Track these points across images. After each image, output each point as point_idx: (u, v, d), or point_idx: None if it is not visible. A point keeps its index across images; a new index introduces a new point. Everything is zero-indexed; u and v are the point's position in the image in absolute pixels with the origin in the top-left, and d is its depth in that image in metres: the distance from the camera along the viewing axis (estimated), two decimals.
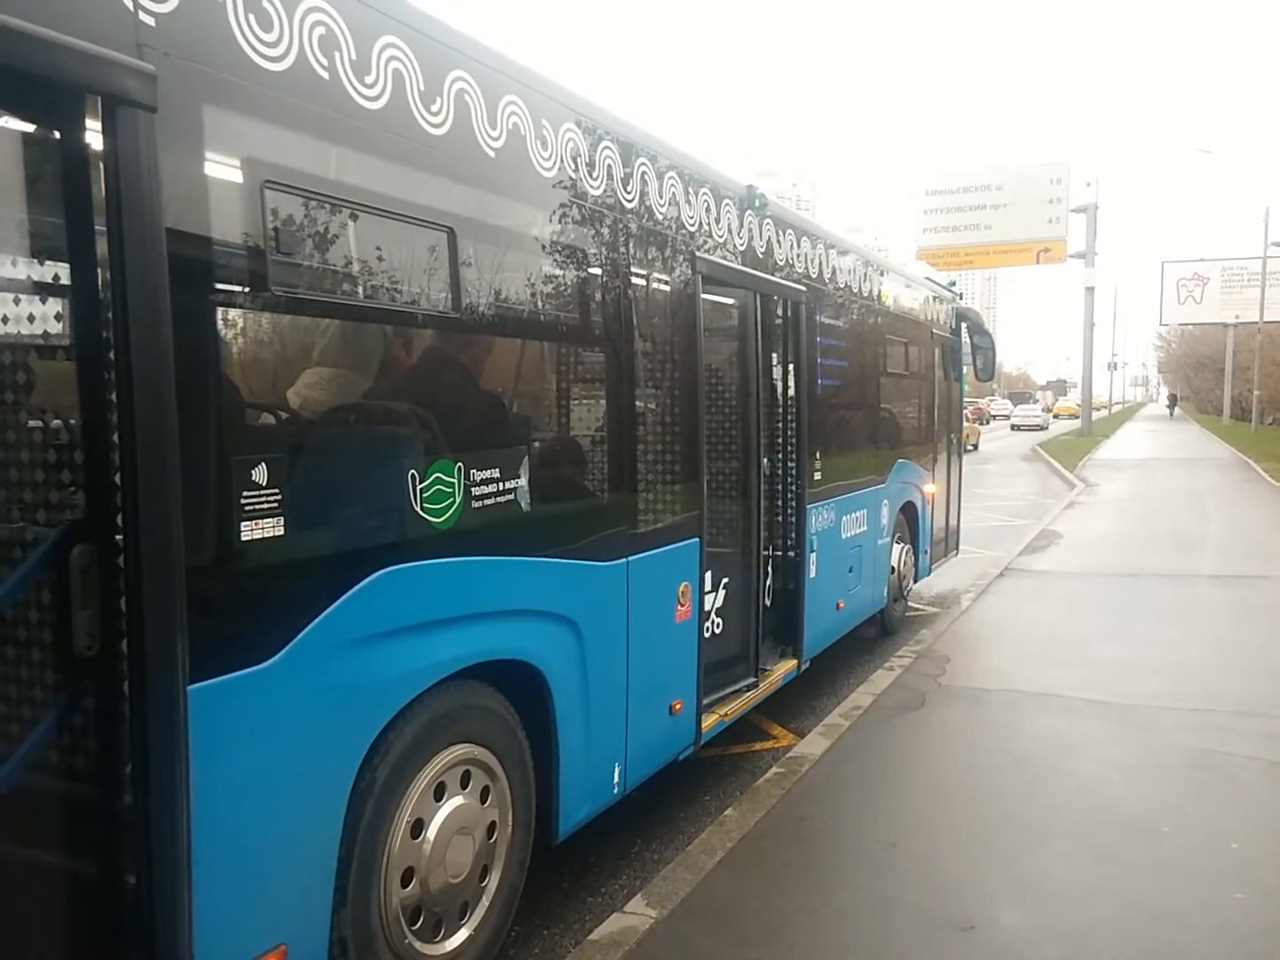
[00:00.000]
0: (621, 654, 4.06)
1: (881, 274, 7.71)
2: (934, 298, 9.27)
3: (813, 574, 6.19)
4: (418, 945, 3.07)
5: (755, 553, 5.43)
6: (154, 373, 2.13)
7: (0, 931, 2.14)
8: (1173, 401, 73.05)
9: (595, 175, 3.93)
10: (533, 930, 3.87)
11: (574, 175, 3.80)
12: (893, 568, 8.22)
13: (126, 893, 2.23)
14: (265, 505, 2.48)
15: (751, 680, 5.43)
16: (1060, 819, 4.49)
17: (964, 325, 10.09)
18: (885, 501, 7.84)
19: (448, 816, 3.16)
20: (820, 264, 6.39)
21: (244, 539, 2.42)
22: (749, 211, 5.33)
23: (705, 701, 4.85)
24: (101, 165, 2.08)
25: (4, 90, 2.01)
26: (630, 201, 4.18)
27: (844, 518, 6.86)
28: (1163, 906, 3.73)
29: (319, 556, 2.69)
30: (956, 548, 10.61)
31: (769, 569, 5.79)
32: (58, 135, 2.12)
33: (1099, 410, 69.08)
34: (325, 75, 2.68)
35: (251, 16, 2.46)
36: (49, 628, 2.14)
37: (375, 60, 2.84)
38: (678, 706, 4.54)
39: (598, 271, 3.98)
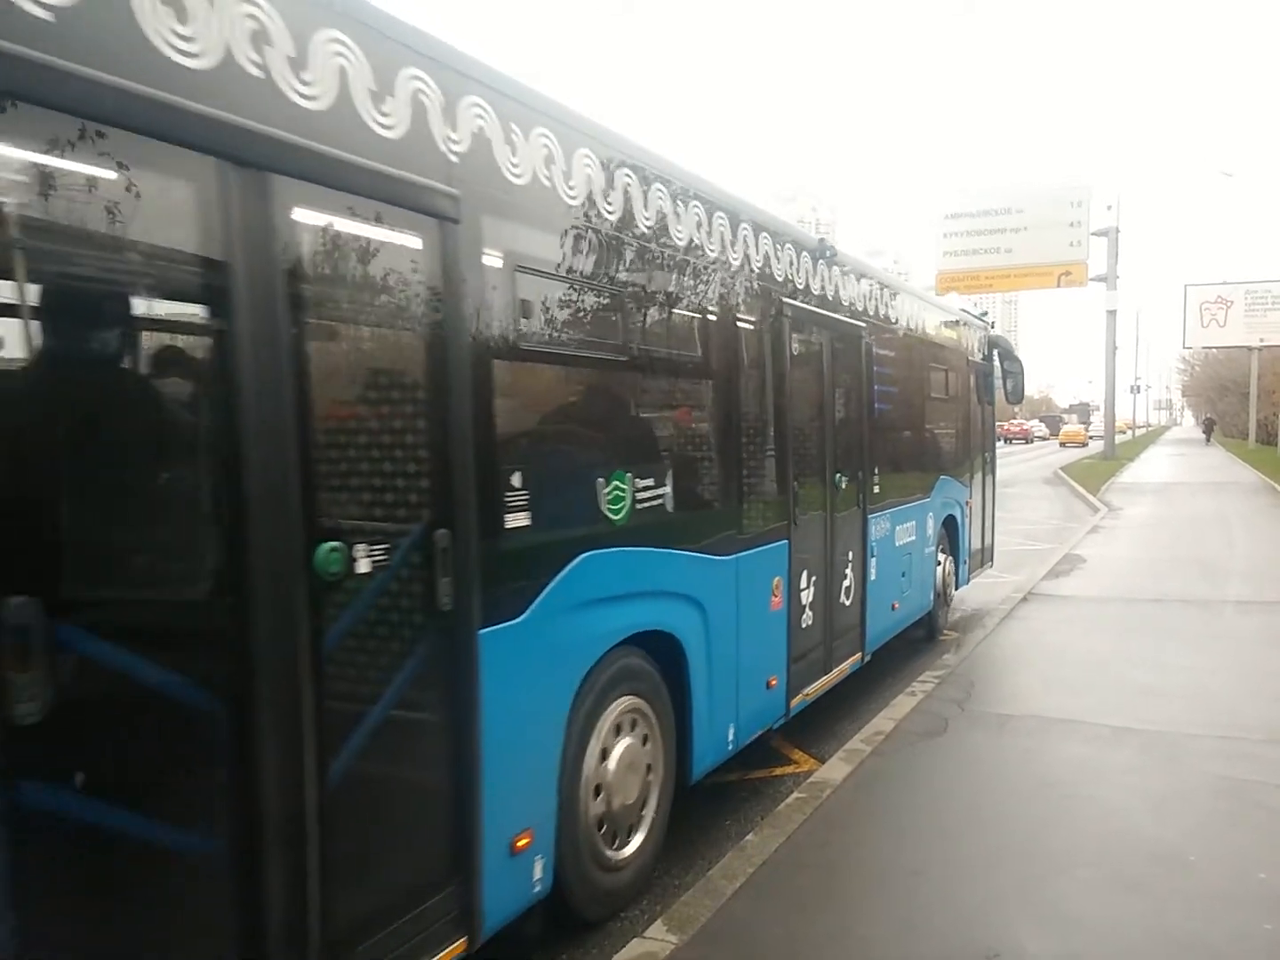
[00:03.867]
0: (733, 633, 4.96)
1: (926, 308, 8.59)
2: (969, 327, 10.06)
3: (873, 577, 7.02)
4: (602, 848, 4.06)
5: (830, 556, 6.31)
6: (479, 414, 3.21)
7: (381, 812, 2.94)
8: (1208, 427, 65.85)
9: (712, 241, 4.89)
10: (554, 954, 3.87)
11: (697, 243, 4.74)
12: (937, 576, 8.95)
13: (447, 787, 3.12)
14: (518, 503, 3.40)
15: (827, 666, 6.34)
16: (1086, 847, 4.45)
17: (995, 351, 10.76)
18: (931, 514, 8.59)
19: (622, 751, 4.14)
20: (876, 302, 7.23)
21: (507, 528, 3.35)
22: (821, 261, 6.18)
23: (792, 681, 5.68)
24: (435, 260, 3.07)
25: (375, 214, 2.89)
26: (736, 260, 5.12)
27: (897, 528, 7.65)
28: (1191, 936, 3.69)
29: (550, 542, 3.63)
30: (991, 560, 11.25)
31: (845, 571, 6.60)
32: (403, 242, 3.02)
33: (1122, 433, 68.71)
34: (548, 185, 3.71)
35: (512, 150, 3.49)
36: (420, 589, 3.01)
37: (576, 169, 3.88)
38: (773, 682, 5.45)
39: (715, 320, 4.95)
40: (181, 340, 2.59)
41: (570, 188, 3.83)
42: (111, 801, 2.24)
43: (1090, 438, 64.59)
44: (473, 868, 3.21)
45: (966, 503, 9.91)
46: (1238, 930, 3.72)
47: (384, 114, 2.92)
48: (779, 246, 5.60)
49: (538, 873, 3.62)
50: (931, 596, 8.81)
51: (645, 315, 4.41)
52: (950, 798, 5.12)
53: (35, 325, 2.20)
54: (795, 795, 5.03)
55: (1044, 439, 77.66)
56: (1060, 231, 35.87)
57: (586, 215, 3.93)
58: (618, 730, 4.14)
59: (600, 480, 3.95)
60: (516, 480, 3.40)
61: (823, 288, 6.24)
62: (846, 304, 6.66)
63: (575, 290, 3.92)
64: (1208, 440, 61.56)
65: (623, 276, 4.17)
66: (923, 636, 8.99)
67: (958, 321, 9.72)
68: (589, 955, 3.85)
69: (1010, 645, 8.52)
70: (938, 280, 38.40)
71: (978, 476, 10.44)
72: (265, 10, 2.56)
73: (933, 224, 38.44)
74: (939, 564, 8.99)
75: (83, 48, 2.16)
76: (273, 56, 2.58)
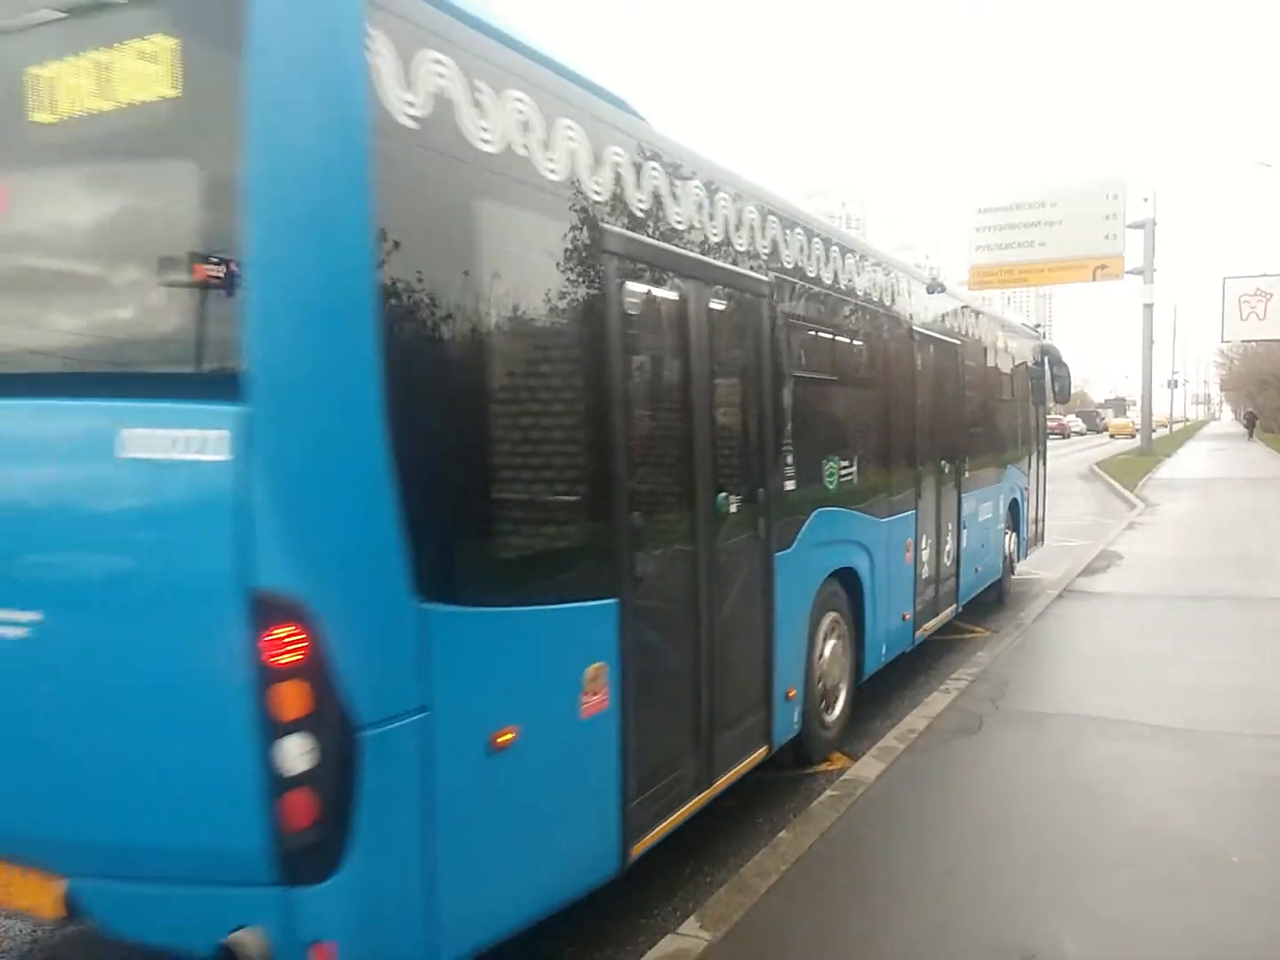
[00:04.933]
0: (886, 576, 6.64)
1: (999, 325, 10.38)
2: (1027, 338, 11.85)
3: (964, 545, 8.68)
4: (821, 710, 5.80)
5: (939, 526, 7.97)
6: (776, 420, 5.11)
7: (733, 659, 4.62)
8: (1250, 421, 62.63)
9: (880, 291, 6.80)
10: (587, 952, 3.88)
11: (874, 294, 6.67)
12: (1005, 548, 10.60)
13: (760, 649, 4.94)
14: (791, 475, 5.23)
15: (936, 610, 7.99)
16: (1124, 847, 4.40)
17: (1046, 358, 12.18)
18: (1002, 497, 10.29)
19: (831, 648, 5.86)
20: (967, 324, 8.98)
21: (786, 490, 5.19)
22: (932, 294, 7.96)
23: (917, 619, 7.43)
24: (758, 318, 4.99)
25: (741, 295, 4.84)
26: (890, 302, 6.97)
27: (980, 506, 9.32)
28: (1230, 937, 3.64)
29: (804, 500, 5.41)
30: (1042, 540, 12.84)
31: (947, 539, 8.22)
32: (749, 309, 4.92)
33: (1159, 428, 67.80)
34: (810, 271, 5.69)
35: (796, 250, 5.46)
36: (752, 524, 4.82)
37: (828, 257, 5.89)
38: (906, 616, 7.17)
39: (879, 347, 6.79)
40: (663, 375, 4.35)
41: (817, 268, 5.74)
42: (679, 652, 4.25)
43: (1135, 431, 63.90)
44: (770, 703, 5.01)
45: (1025, 489, 11.52)
46: (1279, 933, 3.66)
47: (742, 241, 4.85)
48: (907, 285, 7.37)
49: (795, 717, 5.36)
50: (1001, 565, 10.45)
51: (842, 347, 6.23)
52: (985, 796, 5.08)
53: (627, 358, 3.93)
54: (828, 793, 5.02)
55: (1080, 434, 77.15)
56: (1095, 224, 35.42)
57: (821, 284, 5.80)
58: (827, 635, 5.82)
59: (824, 462, 5.78)
60: (790, 461, 5.24)
61: (935, 314, 8.02)
62: (948, 327, 8.37)
63: (812, 334, 5.78)
64: (1250, 435, 60.14)
65: (833, 321, 6.05)
66: (993, 599, 10.42)
67: (1019, 334, 11.44)
68: (622, 951, 3.85)
69: (1045, 642, 8.44)
70: (970, 274, 38.06)
71: (1033, 467, 12.11)
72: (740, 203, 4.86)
73: (965, 218, 38.10)
74: (1006, 539, 10.65)
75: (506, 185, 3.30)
76: (715, 230, 4.61)
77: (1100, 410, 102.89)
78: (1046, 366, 12.07)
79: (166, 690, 2.67)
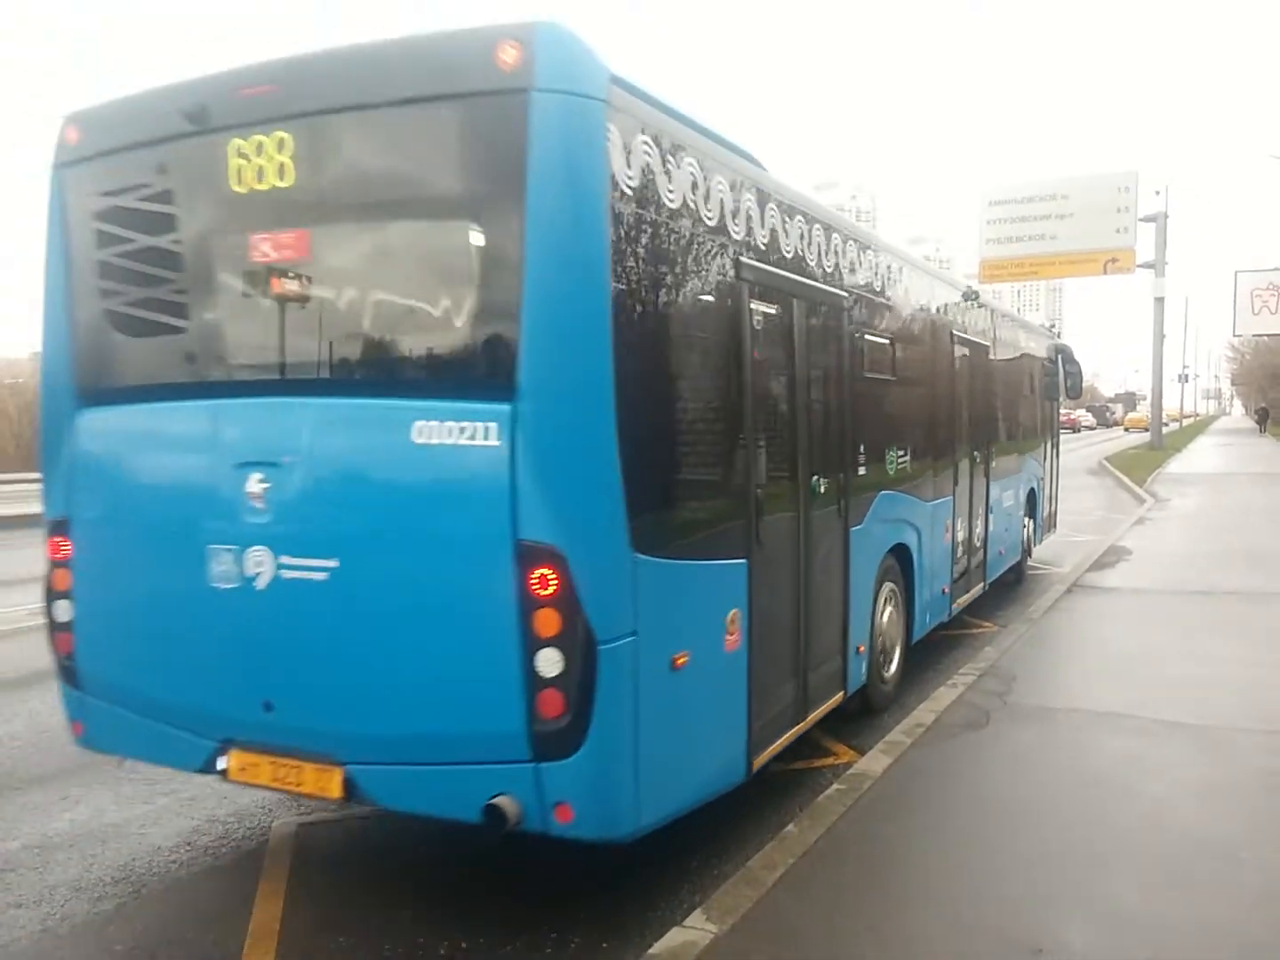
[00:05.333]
0: (930, 552, 7.61)
1: (1021, 327, 11.54)
2: (1043, 337, 12.90)
3: (991, 528, 9.66)
4: (880, 668, 6.67)
5: (970, 510, 8.94)
6: (848, 416, 5.98)
7: (820, 613, 5.57)
8: (1263, 416, 62.75)
9: (935, 304, 7.99)
10: (593, 943, 3.88)
11: (927, 305, 7.79)
12: (1024, 533, 11.58)
13: (837, 608, 5.87)
14: (861, 463, 6.17)
15: (969, 587, 9.03)
16: (1132, 842, 4.39)
17: (1060, 356, 12.88)
18: (1021, 485, 11.25)
19: (888, 614, 6.77)
20: (994, 326, 9.95)
21: (859, 474, 6.11)
22: (968, 301, 8.98)
23: (953, 593, 8.44)
24: (839, 324, 5.91)
25: (835, 309, 5.86)
26: (938, 311, 8.11)
27: (1004, 493, 10.26)
28: (1240, 933, 3.63)
29: (871, 483, 6.36)
30: (1055, 527, 13.79)
31: (976, 523, 9.20)
32: (838, 318, 5.89)
33: (1170, 423, 67.52)
34: (879, 288, 6.72)
35: (867, 273, 6.48)
36: (835, 503, 5.77)
37: (897, 275, 7.12)
38: (945, 590, 8.11)
39: (928, 346, 7.88)
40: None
41: (883, 282, 6.76)
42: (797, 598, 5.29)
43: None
44: (845, 655, 5.91)
45: (1041, 479, 12.52)
46: None
47: (830, 264, 5.81)
48: (950, 295, 8.47)
49: (863, 669, 6.24)
50: (1020, 549, 11.40)
51: (899, 351, 7.03)
52: (993, 791, 5.08)
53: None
54: (835, 787, 5.02)
55: (1091, 428, 76.96)
56: (1107, 217, 35.25)
57: (884, 296, 6.79)
58: (886, 602, 6.73)
59: (886, 450, 6.74)
60: (861, 449, 6.18)
61: (968, 319, 8.97)
62: (980, 329, 9.35)
63: (877, 339, 6.62)
64: (1262, 430, 59.71)
65: (893, 328, 6.95)
66: (1012, 579, 11.36)
67: (1036, 334, 12.59)
68: (629, 943, 3.86)
69: (1054, 638, 8.43)
70: (981, 268, 37.95)
71: (1048, 458, 13.12)
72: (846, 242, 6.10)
73: (975, 211, 37.95)
74: (1024, 525, 11.56)
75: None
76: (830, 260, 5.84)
77: (1110, 405, 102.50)
78: (1060, 364, 12.75)
79: (450, 616, 3.69)
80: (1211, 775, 5.17)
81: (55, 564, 4.55)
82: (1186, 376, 71.75)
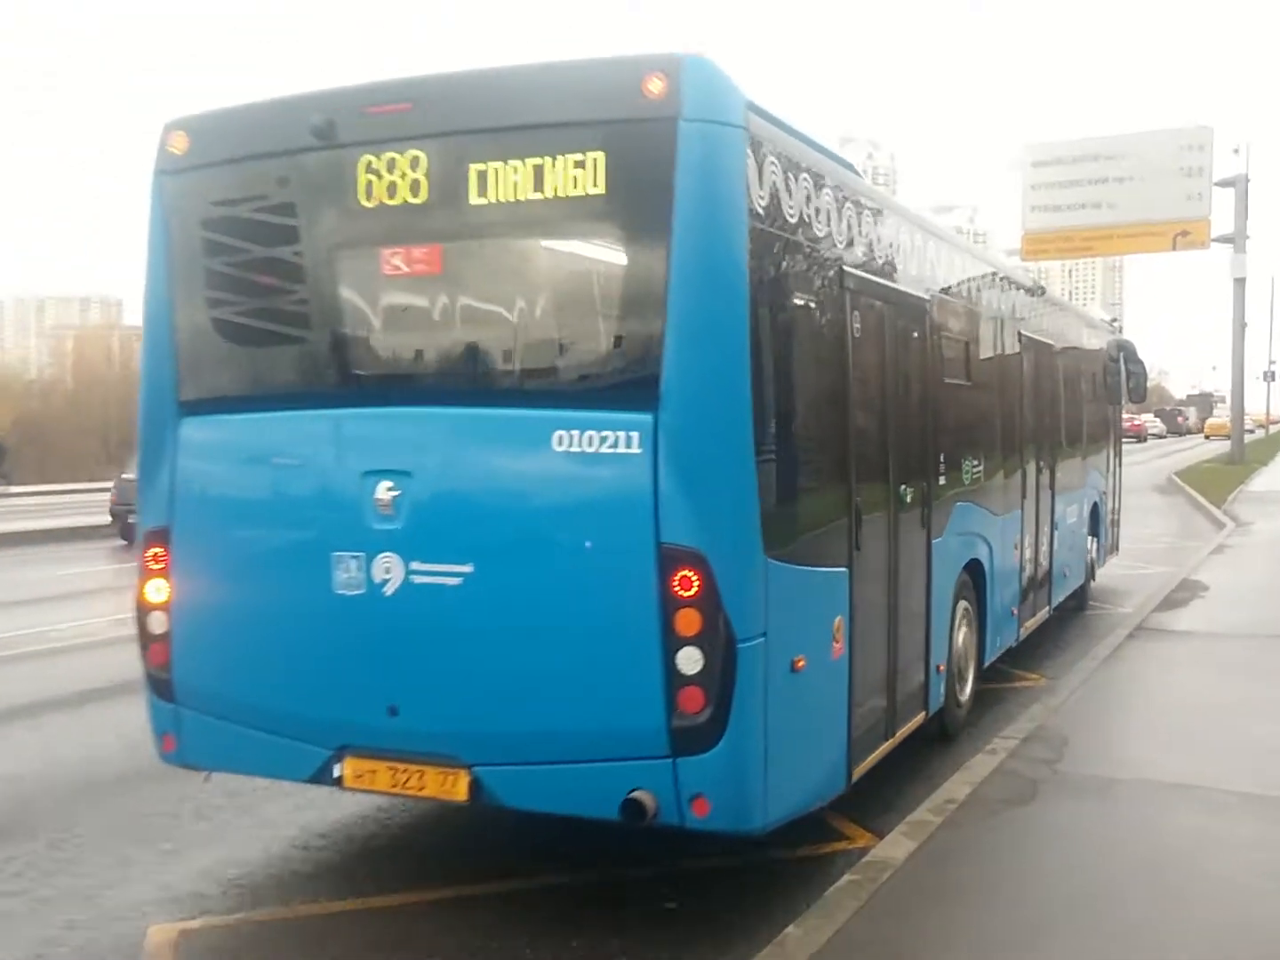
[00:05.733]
0: (1000, 569, 8.48)
1: (1085, 324, 12.90)
2: (1105, 332, 13.96)
3: (1057, 546, 10.58)
4: (956, 688, 7.56)
5: (1037, 528, 9.84)
6: (927, 423, 6.92)
7: (908, 634, 6.55)
8: None
9: (996, 297, 8.75)
10: None
11: (991, 299, 8.63)
12: (1088, 553, 12.62)
13: (921, 627, 6.80)
14: (942, 472, 7.11)
15: (1035, 611, 9.95)
16: (1203, 937, 4.44)
17: (1121, 354, 13.52)
18: (1085, 500, 12.26)
19: (963, 633, 7.67)
20: (1058, 323, 11.10)
21: (940, 484, 7.08)
22: (1034, 296, 9.99)
23: (1021, 617, 9.38)
24: (923, 323, 6.91)
25: (920, 308, 6.89)
26: (1004, 308, 8.96)
27: (1068, 508, 11.22)
28: None
29: (950, 494, 7.28)
30: (1117, 548, 14.65)
31: (1043, 541, 10.15)
32: (918, 318, 6.86)
33: (1252, 429, 68.19)
34: (958, 290, 7.86)
35: (944, 274, 7.51)
36: (919, 515, 6.71)
37: (976, 279, 8.35)
38: (1014, 611, 9.11)
39: (998, 349, 8.82)
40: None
41: (962, 285, 7.92)
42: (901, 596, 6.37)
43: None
44: (928, 673, 6.87)
45: (1104, 492, 13.54)
46: None
47: (913, 268, 6.80)
48: (1016, 290, 9.41)
49: (941, 690, 7.13)
50: (1084, 571, 12.43)
51: (973, 353, 8.05)
52: (1039, 880, 5.12)
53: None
54: (848, 878, 5.04)
55: (1159, 436, 77.56)
56: (1175, 182, 35.62)
57: (962, 296, 7.89)
58: (961, 620, 7.60)
59: (963, 460, 7.67)
60: (941, 459, 7.09)
61: (1035, 317, 9.92)
62: (1044, 327, 10.32)
63: (955, 342, 7.65)
64: None
65: (969, 330, 7.99)
66: (1073, 606, 12.10)
67: (1098, 329, 13.71)
68: None
69: (1113, 692, 8.51)
70: (1024, 243, 38.22)
71: (1111, 469, 14.12)
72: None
73: (1016, 175, 38.18)
74: (1088, 544, 12.56)
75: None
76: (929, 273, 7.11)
77: (1182, 408, 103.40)
78: (1121, 363, 13.38)
79: (589, 617, 4.53)
80: None
81: (151, 574, 5.31)
82: (1273, 374, 72.47)
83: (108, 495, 22.22)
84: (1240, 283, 37.54)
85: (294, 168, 5.10)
